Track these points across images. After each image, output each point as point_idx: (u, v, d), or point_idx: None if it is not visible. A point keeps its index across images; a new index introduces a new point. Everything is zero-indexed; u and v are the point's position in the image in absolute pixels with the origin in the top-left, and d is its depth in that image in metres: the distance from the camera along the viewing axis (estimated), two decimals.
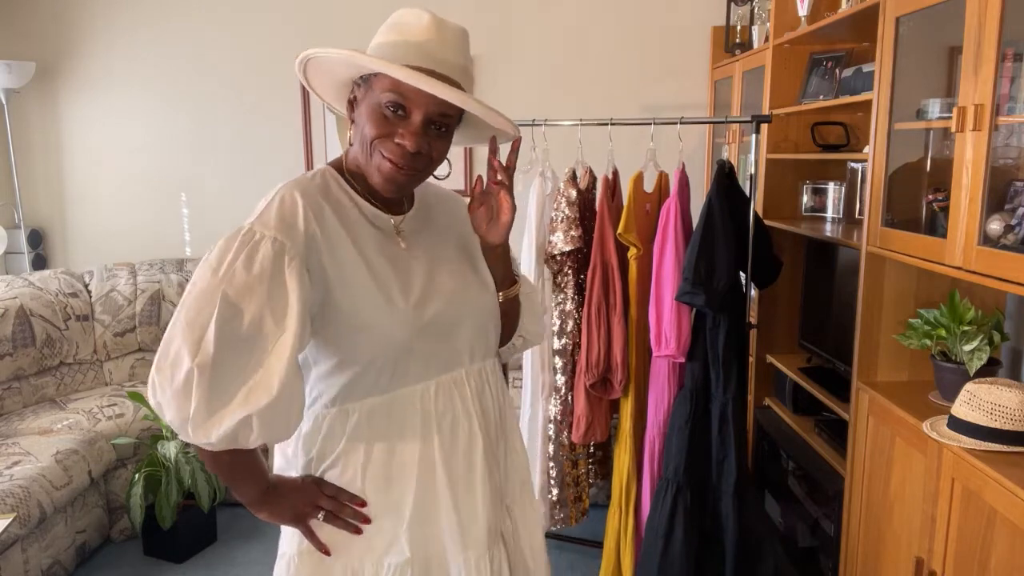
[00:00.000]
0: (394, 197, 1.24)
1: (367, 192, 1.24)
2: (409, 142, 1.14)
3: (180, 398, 1.05)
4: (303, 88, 3.79)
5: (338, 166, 1.25)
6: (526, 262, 2.49)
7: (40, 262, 3.91)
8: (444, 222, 1.35)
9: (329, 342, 1.18)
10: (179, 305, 1.09)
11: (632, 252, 2.36)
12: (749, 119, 2.34)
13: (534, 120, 2.54)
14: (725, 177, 2.30)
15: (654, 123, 2.45)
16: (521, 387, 2.68)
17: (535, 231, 2.48)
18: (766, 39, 2.97)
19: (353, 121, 1.21)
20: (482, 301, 1.31)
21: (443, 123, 1.18)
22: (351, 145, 1.23)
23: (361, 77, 1.19)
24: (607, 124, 2.46)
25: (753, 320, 2.49)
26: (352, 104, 1.22)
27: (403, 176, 1.17)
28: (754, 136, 2.38)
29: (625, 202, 2.36)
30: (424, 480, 1.22)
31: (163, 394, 1.07)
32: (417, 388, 1.22)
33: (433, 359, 1.23)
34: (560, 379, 2.49)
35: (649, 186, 2.48)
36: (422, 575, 1.24)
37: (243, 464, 1.21)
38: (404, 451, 1.22)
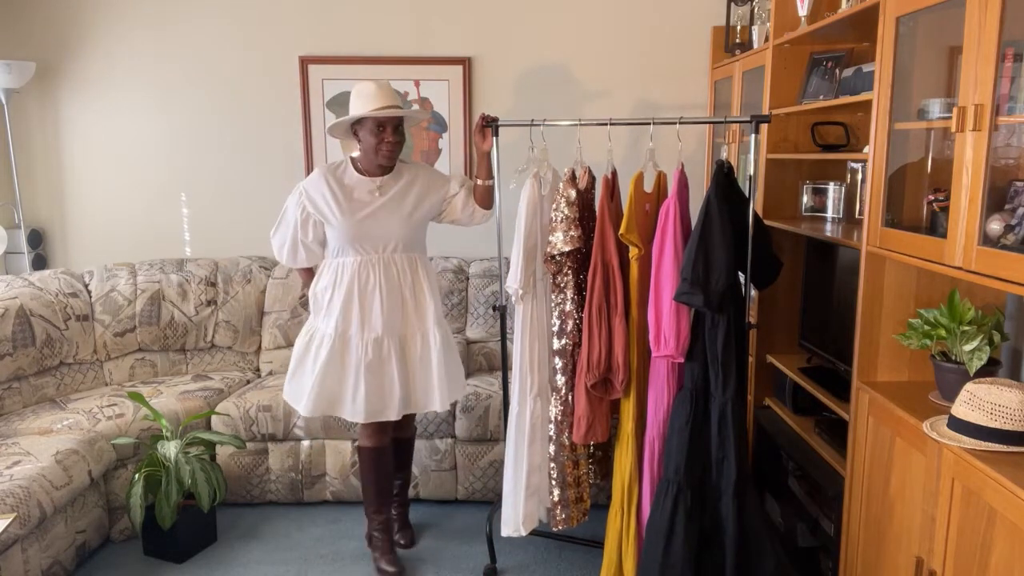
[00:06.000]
0: (387, 168, 2.63)
1: (364, 171, 2.64)
2: (391, 140, 2.55)
3: None
4: (303, 89, 3.80)
5: (352, 160, 2.68)
6: (514, 262, 2.47)
7: (40, 262, 3.91)
8: (417, 187, 2.67)
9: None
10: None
11: (633, 252, 2.36)
12: (748, 119, 2.34)
13: (532, 120, 2.54)
14: (724, 177, 2.29)
15: (653, 123, 2.45)
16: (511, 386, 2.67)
17: (524, 232, 2.45)
18: (766, 39, 2.97)
19: (359, 141, 2.61)
20: (399, 225, 2.60)
21: (397, 124, 2.57)
22: (357, 152, 2.66)
23: (356, 122, 2.56)
24: (606, 124, 2.46)
25: (753, 320, 2.49)
26: (356, 135, 2.61)
27: (388, 158, 2.58)
28: (753, 136, 2.37)
29: (626, 202, 2.36)
30: (348, 298, 2.59)
31: None
32: (355, 259, 2.60)
33: (361, 245, 2.59)
34: (560, 379, 2.49)
35: (648, 186, 2.48)
36: (342, 342, 2.60)
37: None
38: (344, 281, 2.59)
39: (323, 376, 2.59)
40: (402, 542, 2.97)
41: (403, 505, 3.05)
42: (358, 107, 2.52)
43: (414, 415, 2.92)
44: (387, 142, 2.53)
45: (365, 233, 2.57)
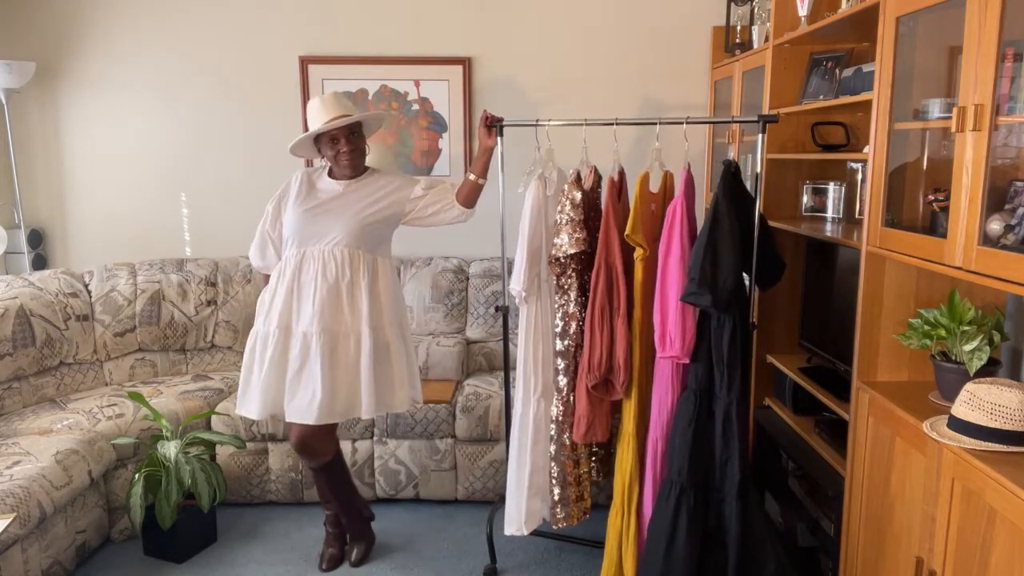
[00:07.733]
0: (352, 175, 2.66)
1: (334, 175, 2.68)
2: (346, 150, 2.59)
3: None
4: (303, 89, 3.80)
5: (328, 166, 2.72)
6: (518, 264, 2.47)
7: (40, 262, 3.91)
8: (379, 189, 2.65)
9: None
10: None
11: (638, 253, 2.36)
12: (755, 119, 2.34)
13: (537, 120, 2.54)
14: (731, 177, 2.29)
15: (659, 123, 2.45)
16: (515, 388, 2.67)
17: (528, 234, 2.44)
18: (766, 39, 2.97)
19: (322, 155, 2.67)
20: (347, 220, 2.56)
21: (353, 132, 2.61)
22: (327, 162, 2.70)
23: (315, 139, 2.61)
24: (612, 124, 2.46)
25: (753, 320, 2.49)
26: (319, 149, 2.65)
27: (350, 167, 2.63)
28: (759, 136, 2.37)
29: (632, 203, 2.35)
30: (290, 290, 2.57)
31: None
32: (299, 251, 2.59)
33: (305, 235, 2.58)
34: (562, 380, 2.49)
35: (653, 186, 2.47)
36: (285, 336, 2.57)
37: None
38: (286, 275, 2.58)
39: (269, 373, 2.55)
40: (352, 558, 2.88)
41: (339, 525, 2.90)
42: (309, 126, 2.57)
43: (331, 436, 2.73)
44: (343, 152, 2.56)
45: (309, 223, 2.56)
